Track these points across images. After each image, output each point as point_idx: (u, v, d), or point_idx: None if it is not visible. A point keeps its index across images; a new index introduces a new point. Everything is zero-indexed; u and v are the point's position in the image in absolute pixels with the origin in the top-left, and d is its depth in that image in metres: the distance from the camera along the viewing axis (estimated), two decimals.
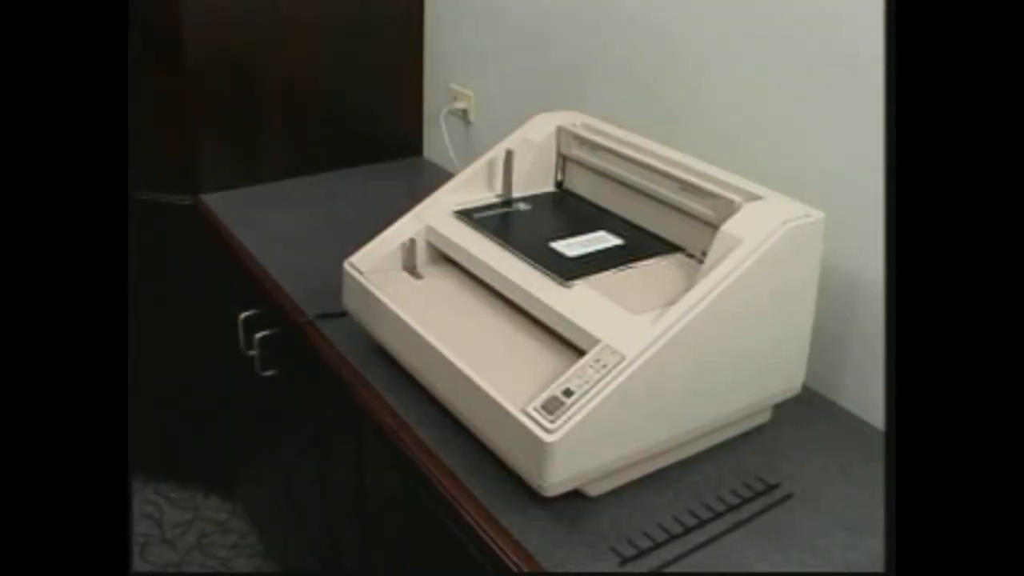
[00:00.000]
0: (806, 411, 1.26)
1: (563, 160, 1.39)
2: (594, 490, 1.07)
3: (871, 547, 1.04)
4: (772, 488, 1.11)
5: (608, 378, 0.98)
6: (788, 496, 1.11)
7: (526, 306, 1.14)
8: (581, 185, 1.39)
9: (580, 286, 1.12)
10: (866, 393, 1.29)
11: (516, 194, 1.36)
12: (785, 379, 1.18)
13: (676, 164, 1.23)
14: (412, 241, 1.31)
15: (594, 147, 1.34)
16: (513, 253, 1.20)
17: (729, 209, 1.12)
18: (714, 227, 1.10)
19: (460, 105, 2.04)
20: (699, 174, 1.19)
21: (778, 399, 1.19)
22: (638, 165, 1.27)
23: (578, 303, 1.09)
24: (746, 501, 1.09)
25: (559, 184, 1.40)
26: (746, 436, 1.20)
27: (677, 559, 1.01)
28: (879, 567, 1.01)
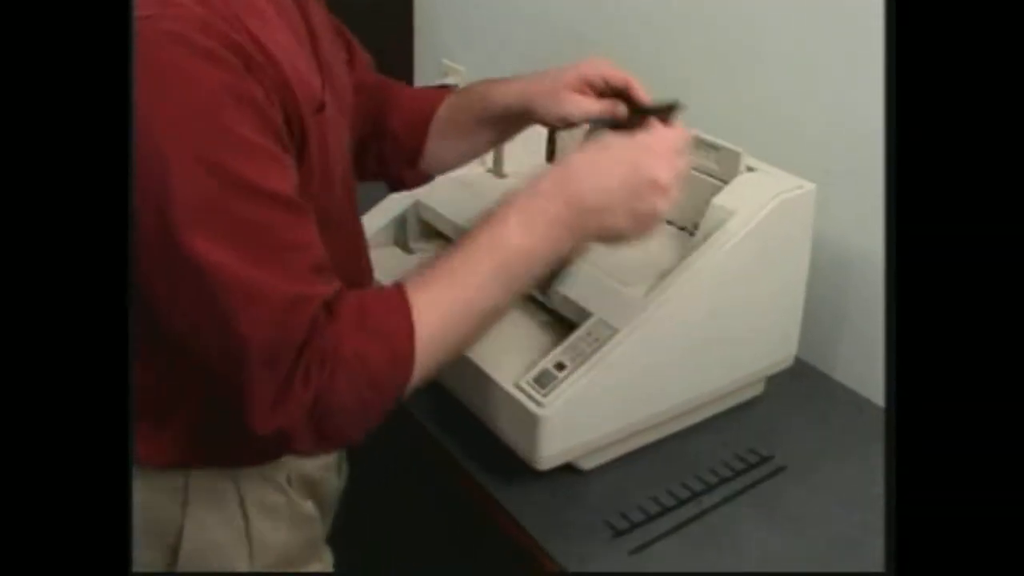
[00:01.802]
0: (799, 384, 1.25)
1: (554, 136, 1.38)
2: (587, 464, 1.06)
3: (864, 520, 1.04)
4: (765, 460, 1.11)
5: (601, 352, 0.98)
6: (781, 468, 1.11)
7: None
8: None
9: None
10: (860, 366, 1.29)
11: (507, 169, 1.35)
12: (778, 351, 1.18)
13: None
14: (403, 216, 1.31)
15: None
16: None
17: (732, 167, 1.12)
18: (706, 200, 1.09)
19: (451, 80, 2.02)
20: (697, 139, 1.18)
21: (771, 371, 1.19)
22: None
23: (570, 276, 1.09)
24: (739, 473, 1.09)
25: (550, 158, 1.40)
26: (739, 409, 1.20)
27: (670, 532, 1.01)
28: (871, 540, 1.01)
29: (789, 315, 1.17)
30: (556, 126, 1.01)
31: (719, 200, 1.08)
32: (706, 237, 1.06)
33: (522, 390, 0.99)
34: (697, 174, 1.14)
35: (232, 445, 0.79)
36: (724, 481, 1.07)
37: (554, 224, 0.78)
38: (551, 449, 0.99)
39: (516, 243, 0.77)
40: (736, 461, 1.11)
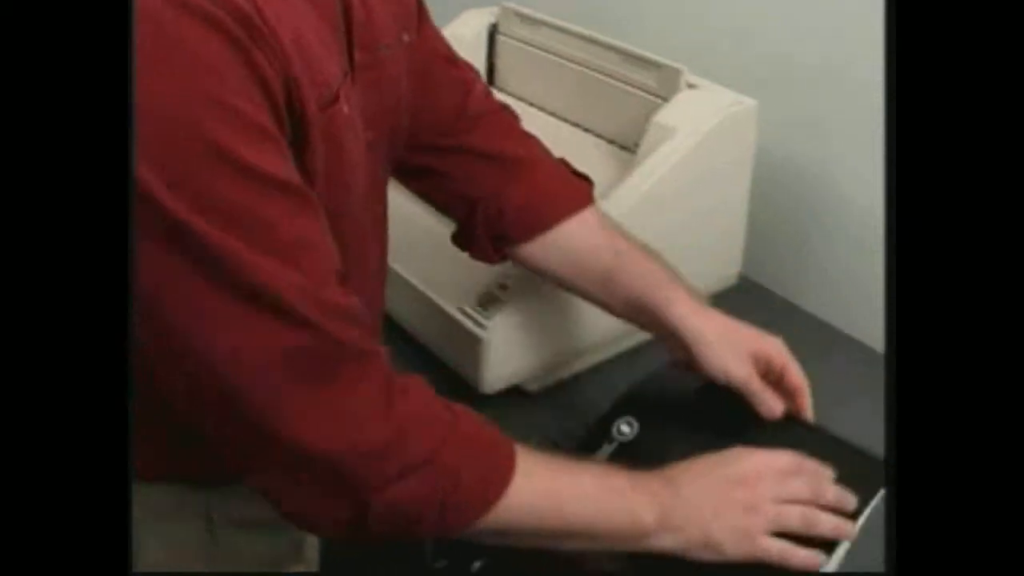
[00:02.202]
0: (743, 301, 1.25)
1: (493, 60, 1.35)
2: (533, 386, 1.07)
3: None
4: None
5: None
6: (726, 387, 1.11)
7: None
8: (512, 83, 1.35)
9: None
10: (803, 281, 1.30)
11: None
12: (721, 269, 1.18)
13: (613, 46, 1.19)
14: None
15: (533, 24, 1.29)
16: None
17: (672, 84, 1.10)
18: (647, 118, 1.08)
19: None
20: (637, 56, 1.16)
21: (715, 289, 1.19)
22: (577, 39, 1.22)
23: None
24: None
25: (489, 83, 1.37)
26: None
27: (618, 452, 1.01)
28: None
29: (732, 232, 1.17)
30: (711, 372, 0.86)
31: (660, 118, 1.07)
32: (647, 155, 1.05)
33: (465, 313, 0.98)
34: (637, 92, 1.13)
35: (208, 461, 0.71)
36: None
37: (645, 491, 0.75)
38: (495, 372, 0.99)
39: (615, 485, 0.74)
40: None
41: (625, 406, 0.93)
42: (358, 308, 0.64)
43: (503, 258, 0.93)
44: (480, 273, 1.02)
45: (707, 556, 0.74)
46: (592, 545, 0.75)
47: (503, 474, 0.69)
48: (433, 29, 0.91)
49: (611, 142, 1.17)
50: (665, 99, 1.10)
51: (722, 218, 1.15)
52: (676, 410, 0.91)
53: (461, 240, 0.94)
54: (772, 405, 0.84)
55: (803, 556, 0.74)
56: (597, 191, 1.04)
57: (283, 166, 0.60)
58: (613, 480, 0.75)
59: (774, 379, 0.86)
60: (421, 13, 0.88)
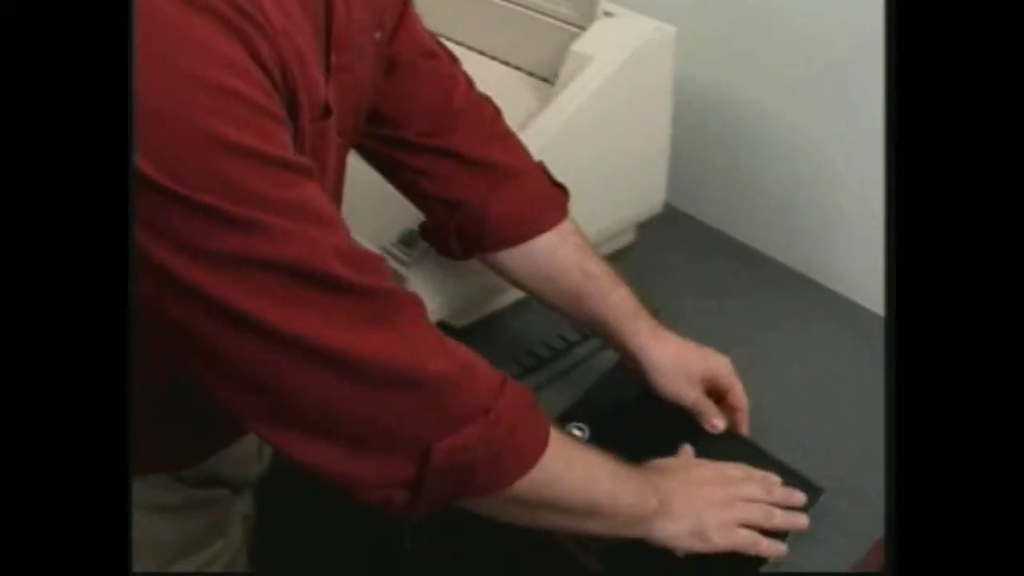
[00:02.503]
0: (670, 229, 1.26)
1: None
2: (460, 321, 1.06)
3: (737, 356, 1.06)
4: None
5: None
6: (655, 312, 1.12)
7: None
8: (429, 17, 1.33)
9: None
10: (728, 208, 1.31)
11: None
12: (646, 197, 1.18)
13: None
14: None
15: None
16: None
17: (588, 13, 1.09)
18: (564, 47, 1.07)
19: None
20: None
21: (640, 218, 1.20)
22: None
23: None
24: None
25: None
26: (611, 258, 1.19)
27: (550, 382, 1.02)
28: (749, 373, 1.04)
29: (655, 160, 1.17)
30: (660, 394, 0.94)
31: (577, 47, 1.06)
32: (565, 85, 1.04)
33: (387, 251, 0.97)
34: (553, 21, 1.11)
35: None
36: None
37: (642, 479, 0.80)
38: None
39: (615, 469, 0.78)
40: None
41: (577, 412, 0.97)
42: (378, 257, 0.64)
43: (467, 257, 0.95)
44: (400, 211, 1.01)
45: (693, 544, 0.80)
46: (597, 527, 0.77)
47: (545, 432, 0.71)
48: (417, 22, 0.90)
49: (530, 74, 1.16)
50: (582, 28, 1.09)
51: (644, 147, 1.14)
52: (626, 416, 0.97)
53: (430, 235, 0.96)
54: (716, 423, 0.93)
55: (767, 544, 0.82)
56: (516, 123, 1.04)
57: (285, 144, 0.59)
58: (620, 463, 0.78)
59: (718, 396, 0.94)
60: (406, 6, 0.88)
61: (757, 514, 0.83)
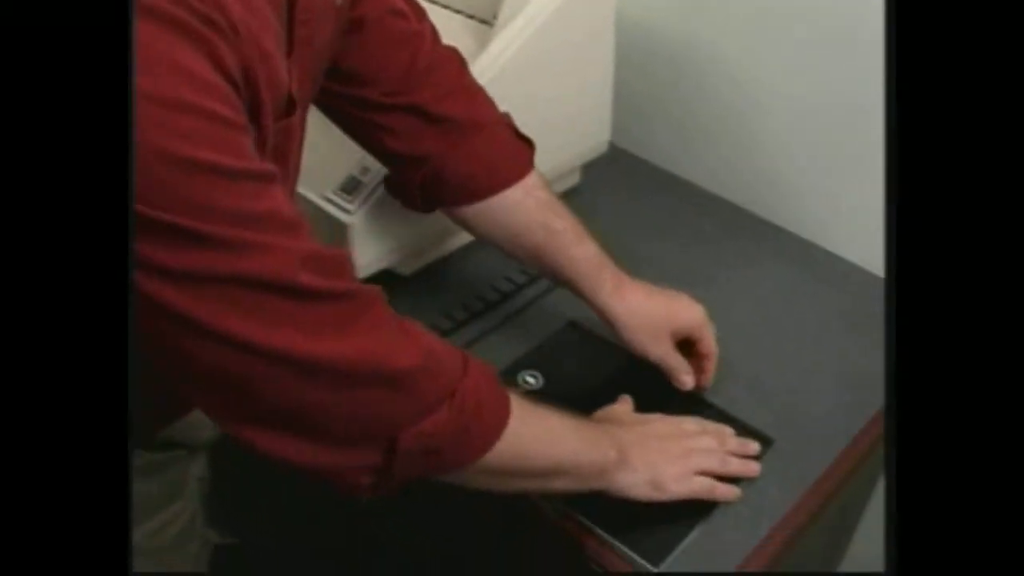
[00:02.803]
0: (615, 169, 1.26)
1: None
2: (406, 269, 1.06)
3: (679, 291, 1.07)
4: None
5: None
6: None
7: None
8: None
9: None
10: (673, 147, 1.30)
11: None
12: (590, 138, 1.18)
13: None
14: None
15: None
16: None
17: None
18: None
19: None
20: None
21: (585, 158, 1.19)
22: None
23: None
24: None
25: None
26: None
27: (496, 328, 1.02)
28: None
29: (599, 100, 1.16)
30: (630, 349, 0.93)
31: None
32: (504, 27, 1.03)
33: (329, 200, 0.96)
34: None
35: None
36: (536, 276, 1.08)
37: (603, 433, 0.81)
38: (364, 256, 0.97)
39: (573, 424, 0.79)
40: None
41: (530, 360, 0.98)
42: (342, 255, 0.63)
43: (431, 210, 0.94)
44: (341, 159, 1.00)
45: (650, 494, 0.81)
46: (561, 485, 0.78)
47: (506, 405, 0.71)
48: None
49: (469, 16, 1.14)
50: None
51: (587, 87, 1.14)
52: (579, 367, 0.97)
53: (393, 188, 0.95)
54: (684, 379, 0.92)
55: (723, 489, 0.84)
56: None
57: (247, 153, 0.57)
58: (579, 419, 0.80)
59: (689, 345, 0.94)
60: None
61: (713, 462, 0.85)
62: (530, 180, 0.92)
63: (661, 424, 0.87)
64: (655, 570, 0.78)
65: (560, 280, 0.93)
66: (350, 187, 0.96)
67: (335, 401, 0.61)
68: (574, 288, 0.92)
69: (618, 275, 0.92)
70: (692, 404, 0.93)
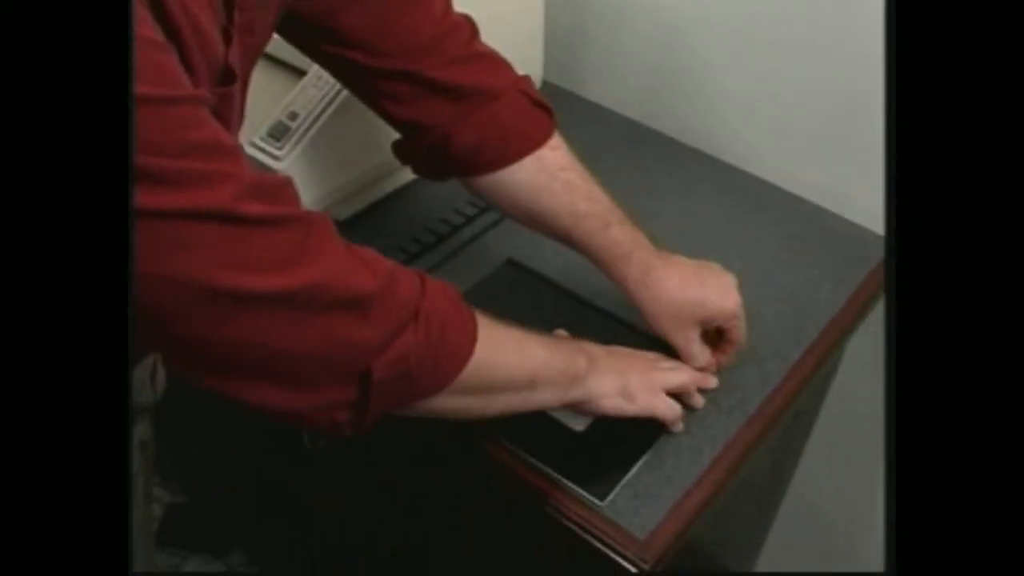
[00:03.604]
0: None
1: None
2: (342, 213, 1.04)
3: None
4: None
5: (330, 95, 0.94)
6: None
7: None
8: None
9: None
10: (607, 81, 1.29)
11: None
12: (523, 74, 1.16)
13: None
14: None
15: None
16: None
17: None
18: None
19: None
20: None
21: None
22: None
23: None
24: (484, 210, 1.08)
25: None
26: None
27: (439, 265, 1.01)
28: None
29: (529, 36, 1.15)
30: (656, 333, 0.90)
31: None
32: None
33: (257, 147, 0.94)
34: None
35: None
36: (482, 212, 1.07)
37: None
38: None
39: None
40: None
41: (468, 300, 0.95)
42: (285, 180, 0.61)
43: (442, 179, 0.92)
44: (267, 105, 0.98)
45: (619, 405, 0.81)
46: (540, 398, 0.78)
47: (473, 321, 0.70)
48: None
49: None
50: None
51: (518, 22, 1.12)
52: (518, 306, 0.96)
53: (403, 153, 0.92)
54: (697, 366, 0.89)
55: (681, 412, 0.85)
56: None
57: (178, 77, 0.54)
58: (540, 332, 0.79)
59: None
60: None
61: (681, 378, 0.86)
62: (550, 154, 0.89)
63: (623, 349, 0.87)
64: (600, 503, 0.79)
65: (590, 260, 0.91)
66: (278, 133, 0.93)
67: (300, 337, 0.60)
68: (604, 272, 0.90)
69: (647, 261, 0.88)
70: (636, 339, 0.92)
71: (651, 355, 0.88)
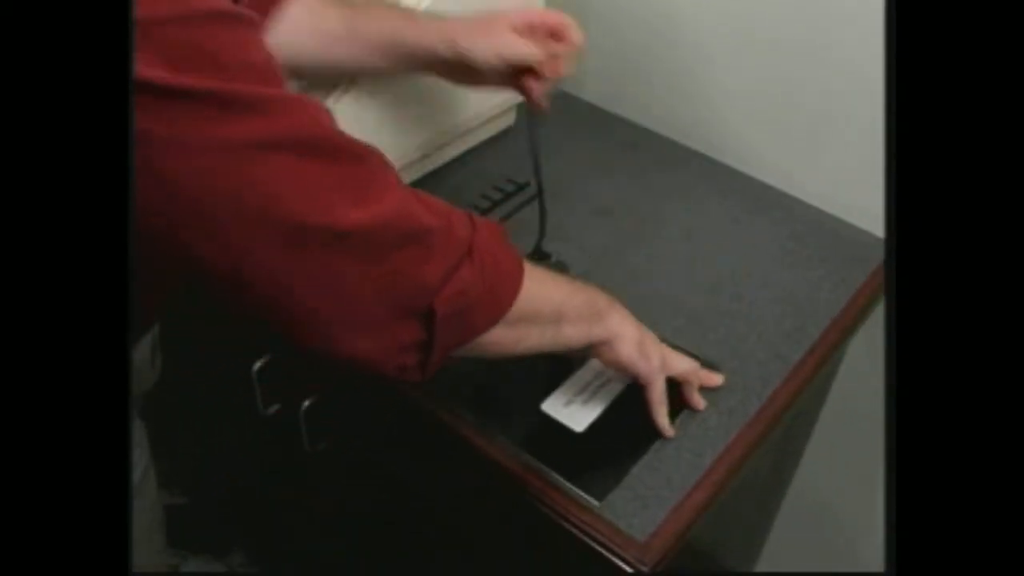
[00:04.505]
0: (551, 108, 1.25)
1: None
2: None
3: (618, 227, 1.07)
4: (522, 187, 1.11)
5: (338, 92, 0.93)
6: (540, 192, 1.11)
7: None
8: None
9: None
10: (606, 84, 1.29)
11: None
12: None
13: None
14: None
15: None
16: None
17: None
18: None
19: None
20: None
21: (519, 98, 1.17)
22: None
23: None
24: (497, 203, 1.09)
25: None
26: (493, 140, 1.19)
27: None
28: (623, 247, 1.04)
29: None
30: (487, 65, 0.87)
31: None
32: None
33: None
34: None
35: None
36: (484, 212, 1.07)
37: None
38: None
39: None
40: (493, 191, 1.10)
41: None
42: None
43: None
44: None
45: (635, 357, 0.81)
46: (567, 334, 0.78)
47: (518, 255, 0.72)
48: None
49: None
50: None
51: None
52: None
53: None
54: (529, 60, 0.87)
55: (705, 374, 0.88)
56: None
57: None
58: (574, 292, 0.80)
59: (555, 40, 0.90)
60: None
61: (690, 364, 0.86)
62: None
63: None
64: (598, 503, 0.79)
65: (387, 54, 0.88)
66: None
67: (371, 275, 0.60)
68: (399, 49, 0.87)
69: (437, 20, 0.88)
70: None
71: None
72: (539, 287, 0.74)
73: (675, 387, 0.86)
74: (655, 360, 0.82)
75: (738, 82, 1.16)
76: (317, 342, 0.62)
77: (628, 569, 0.76)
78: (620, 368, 0.83)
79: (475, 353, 0.72)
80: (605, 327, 0.80)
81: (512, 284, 0.70)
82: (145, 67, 0.47)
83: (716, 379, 0.89)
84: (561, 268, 0.99)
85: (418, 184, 1.10)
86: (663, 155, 1.21)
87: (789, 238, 1.08)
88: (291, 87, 0.57)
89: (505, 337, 0.72)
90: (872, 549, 1.36)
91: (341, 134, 0.59)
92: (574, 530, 0.78)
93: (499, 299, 0.69)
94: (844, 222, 1.11)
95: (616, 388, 0.86)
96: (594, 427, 0.84)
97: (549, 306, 0.76)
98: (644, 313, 0.94)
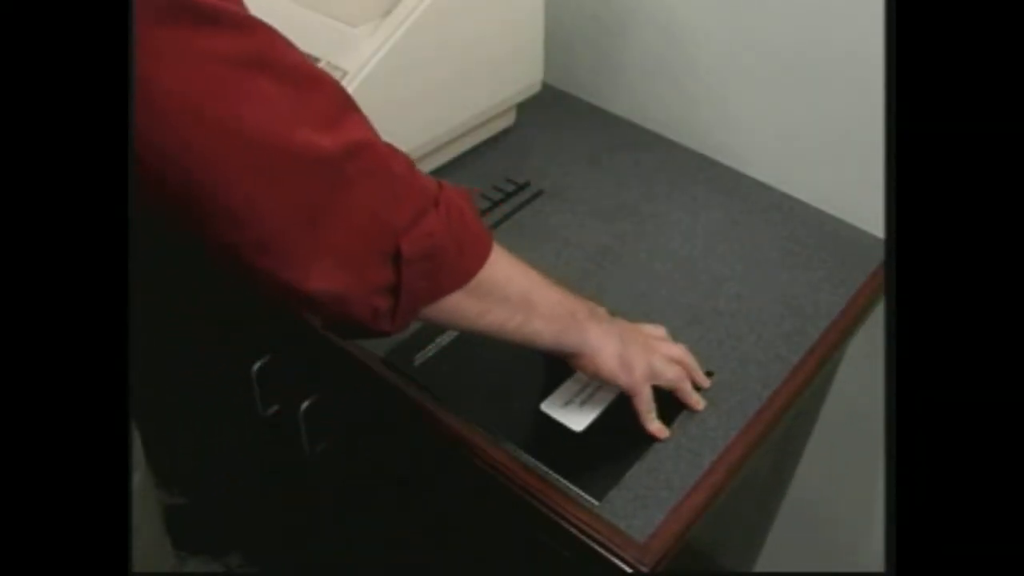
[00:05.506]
0: (549, 108, 1.25)
1: None
2: None
3: (618, 230, 1.07)
4: (522, 187, 1.12)
5: (351, 83, 0.93)
6: (539, 193, 1.11)
7: None
8: None
9: (284, 3, 1.04)
10: (605, 84, 1.29)
11: None
12: (524, 77, 1.16)
13: None
14: None
15: None
16: None
17: None
18: None
19: None
20: None
21: (519, 98, 1.17)
22: None
23: (292, 21, 1.02)
24: (497, 204, 1.09)
25: None
26: (492, 141, 1.19)
27: None
28: (625, 247, 1.04)
29: (530, 39, 1.14)
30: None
31: None
32: None
33: None
34: None
35: None
36: (485, 212, 1.07)
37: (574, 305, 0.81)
38: None
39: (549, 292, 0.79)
40: (493, 191, 1.10)
41: None
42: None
43: None
44: None
45: (616, 370, 0.81)
46: (536, 325, 0.77)
47: (485, 227, 0.73)
48: None
49: None
50: None
51: (518, 26, 1.12)
52: None
53: None
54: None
55: (691, 392, 0.87)
56: (382, 7, 1.00)
57: None
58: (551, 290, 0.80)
59: None
60: None
61: (675, 372, 0.85)
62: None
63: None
64: (597, 503, 0.79)
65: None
66: None
67: (339, 199, 0.61)
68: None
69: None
70: None
71: (648, 327, 0.89)
72: (510, 266, 0.75)
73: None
74: (638, 371, 0.82)
75: (738, 83, 1.16)
76: (285, 272, 0.61)
77: (627, 569, 0.76)
78: (602, 380, 0.83)
79: (442, 319, 0.72)
80: (582, 339, 0.80)
81: (480, 248, 0.71)
82: None
83: (706, 380, 0.89)
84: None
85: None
86: (663, 156, 1.21)
87: (789, 239, 1.08)
88: None
89: (470, 307, 0.73)
90: (872, 549, 1.36)
91: (306, 61, 0.59)
92: (573, 530, 0.78)
93: (466, 259, 0.70)
94: (844, 223, 1.11)
95: (615, 388, 0.86)
96: (593, 427, 0.84)
97: (518, 289, 0.76)
98: (644, 313, 0.95)
